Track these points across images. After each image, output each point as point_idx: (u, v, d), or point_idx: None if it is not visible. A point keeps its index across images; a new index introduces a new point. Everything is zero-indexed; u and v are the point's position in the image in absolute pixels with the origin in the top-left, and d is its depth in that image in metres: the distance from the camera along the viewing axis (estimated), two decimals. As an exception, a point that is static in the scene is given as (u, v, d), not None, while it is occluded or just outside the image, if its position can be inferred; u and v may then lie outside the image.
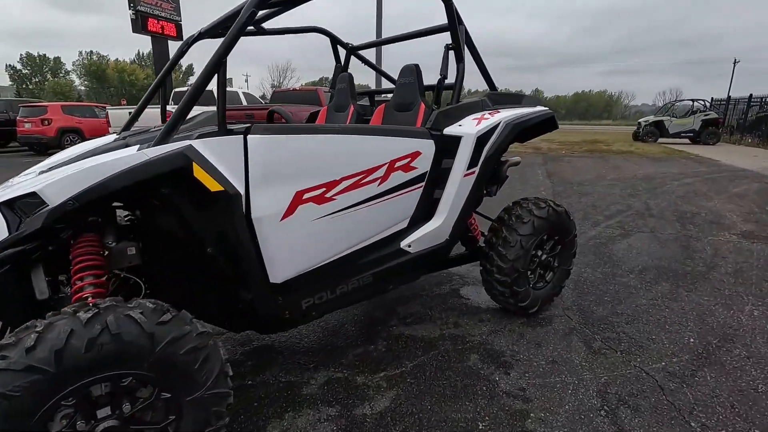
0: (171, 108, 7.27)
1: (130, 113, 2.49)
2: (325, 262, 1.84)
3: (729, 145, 17.60)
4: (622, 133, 25.10)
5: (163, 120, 2.23)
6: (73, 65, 70.94)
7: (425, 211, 2.19)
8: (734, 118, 20.26)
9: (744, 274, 3.42)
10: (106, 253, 1.58)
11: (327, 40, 2.93)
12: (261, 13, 2.09)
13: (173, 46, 14.75)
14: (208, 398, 1.32)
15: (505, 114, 2.36)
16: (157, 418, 1.27)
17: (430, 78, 2.53)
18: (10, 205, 1.39)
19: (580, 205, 5.96)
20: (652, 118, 18.96)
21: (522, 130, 2.39)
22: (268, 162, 1.58)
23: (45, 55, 63.28)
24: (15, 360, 1.04)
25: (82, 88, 64.23)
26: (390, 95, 2.73)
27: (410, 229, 2.15)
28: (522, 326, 2.56)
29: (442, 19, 2.38)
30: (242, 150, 1.52)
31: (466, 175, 2.19)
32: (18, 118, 12.84)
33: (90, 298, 1.37)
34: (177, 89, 11.58)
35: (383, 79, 3.28)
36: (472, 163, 2.20)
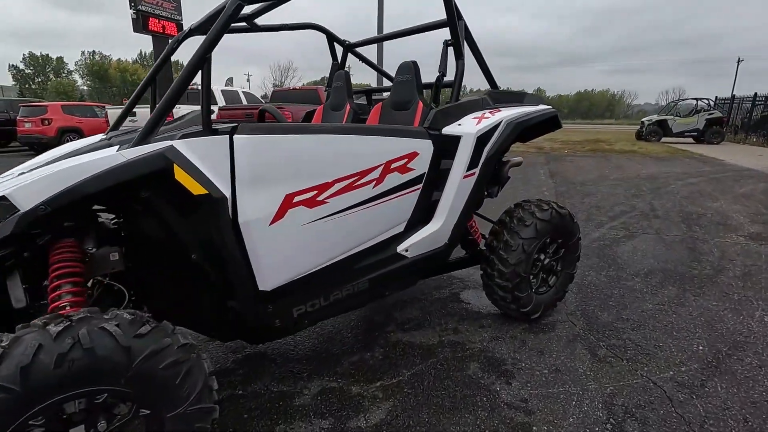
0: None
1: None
2: (318, 268, 1.76)
3: (733, 145, 17.43)
4: (625, 133, 24.91)
5: None
6: (75, 65, 71.36)
7: (423, 214, 2.11)
8: (738, 117, 20.09)
9: (753, 277, 3.32)
10: (88, 259, 1.51)
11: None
12: (253, 8, 2.02)
13: (174, 46, 14.68)
14: (191, 414, 1.25)
15: (507, 113, 2.28)
16: (136, 436, 1.20)
17: (430, 77, 2.45)
18: None
19: (584, 205, 5.87)
20: (655, 117, 18.74)
21: (524, 130, 2.31)
22: (256, 163, 1.50)
23: (48, 55, 63.73)
24: None
25: (85, 87, 64.52)
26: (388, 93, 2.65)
27: (407, 232, 2.06)
28: (524, 332, 2.48)
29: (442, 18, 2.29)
30: (228, 151, 1.45)
31: (465, 177, 2.10)
32: (18, 117, 12.83)
33: (67, 308, 1.30)
34: None
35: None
36: (472, 164, 2.11)
